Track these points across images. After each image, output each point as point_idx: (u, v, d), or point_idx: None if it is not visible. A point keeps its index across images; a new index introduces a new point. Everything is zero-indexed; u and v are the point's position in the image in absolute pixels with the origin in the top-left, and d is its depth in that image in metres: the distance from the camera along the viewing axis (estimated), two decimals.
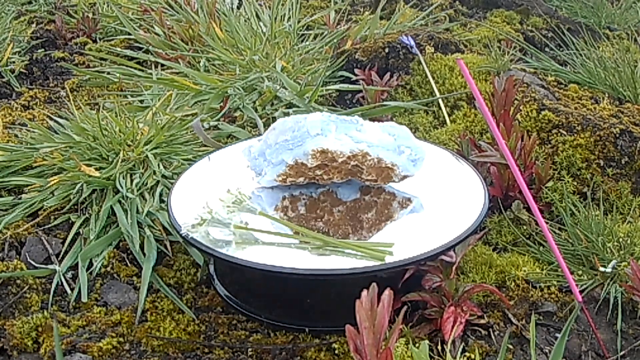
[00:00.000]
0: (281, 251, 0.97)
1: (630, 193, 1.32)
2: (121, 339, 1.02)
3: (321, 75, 1.66)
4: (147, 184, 1.29)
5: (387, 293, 0.72)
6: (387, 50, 1.72)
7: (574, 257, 1.16)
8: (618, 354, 1.00)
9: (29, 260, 1.17)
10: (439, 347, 0.97)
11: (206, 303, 1.10)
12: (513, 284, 1.12)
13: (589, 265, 1.13)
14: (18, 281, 1.11)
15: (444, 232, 0.99)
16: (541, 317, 1.06)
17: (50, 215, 1.27)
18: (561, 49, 1.95)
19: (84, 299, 1.10)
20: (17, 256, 1.18)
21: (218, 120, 1.52)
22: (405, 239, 0.98)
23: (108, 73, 1.84)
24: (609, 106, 1.49)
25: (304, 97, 1.57)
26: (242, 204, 1.00)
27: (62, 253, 1.20)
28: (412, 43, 1.70)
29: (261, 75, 1.66)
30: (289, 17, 2.06)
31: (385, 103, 1.52)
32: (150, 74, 1.78)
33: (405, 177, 1.10)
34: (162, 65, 1.85)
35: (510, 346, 1.01)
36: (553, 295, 1.10)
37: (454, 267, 0.99)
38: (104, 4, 2.33)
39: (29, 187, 1.32)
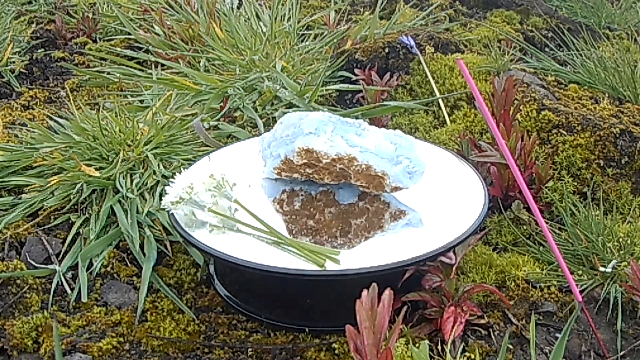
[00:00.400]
0: (250, 241, 0.98)
1: (630, 193, 1.32)
2: (121, 339, 1.02)
3: (321, 75, 1.66)
4: (147, 184, 1.29)
5: (387, 293, 0.72)
6: (387, 50, 1.72)
7: (574, 257, 1.16)
8: (618, 354, 1.00)
9: (29, 260, 1.17)
10: (439, 347, 0.97)
11: (206, 303, 1.10)
12: (513, 284, 1.12)
13: (589, 265, 1.13)
14: (18, 281, 1.11)
15: (444, 232, 0.99)
16: (541, 317, 1.06)
17: (50, 215, 1.27)
18: (561, 49, 1.95)
19: (84, 299, 1.10)
20: (17, 256, 1.18)
21: (218, 120, 1.52)
22: (392, 250, 0.95)
23: (108, 73, 1.84)
24: (609, 106, 1.49)
25: (304, 97, 1.57)
26: (222, 189, 1.01)
27: (62, 253, 1.20)
28: (412, 43, 1.70)
29: (261, 75, 1.66)
30: (289, 17, 2.06)
31: (385, 103, 1.52)
32: (150, 74, 1.78)
33: (397, 188, 1.06)
34: (162, 65, 1.85)
35: (510, 346, 1.01)
36: (553, 295, 1.10)
37: (454, 267, 0.99)
38: (104, 4, 2.33)
39: (29, 187, 1.32)
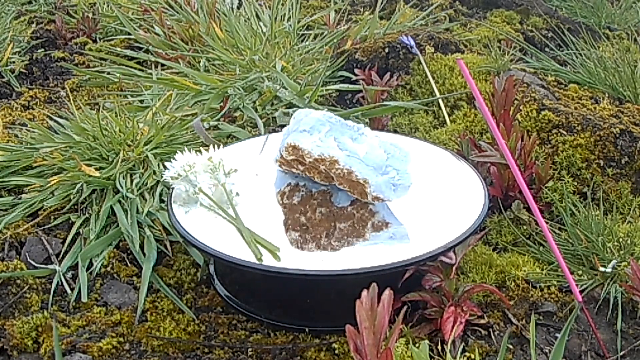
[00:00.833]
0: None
1: (630, 193, 1.32)
2: (121, 339, 1.02)
3: (321, 75, 1.66)
4: (147, 184, 1.29)
5: (387, 293, 0.72)
6: (387, 50, 1.72)
7: (574, 257, 1.16)
8: (618, 354, 1.00)
9: (29, 260, 1.17)
10: (439, 347, 0.97)
11: (206, 303, 1.10)
12: (513, 284, 1.12)
13: (589, 265, 1.13)
14: (18, 281, 1.11)
15: (444, 232, 0.99)
16: (541, 317, 1.06)
17: (50, 215, 1.27)
18: (561, 49, 1.95)
19: (84, 299, 1.10)
20: (17, 256, 1.18)
21: (218, 120, 1.52)
22: (371, 261, 0.94)
23: (108, 73, 1.83)
24: (609, 106, 1.49)
25: (304, 97, 1.57)
26: (215, 173, 1.04)
27: (62, 253, 1.20)
28: (412, 43, 1.70)
29: (261, 75, 1.66)
30: (289, 17, 2.06)
31: (385, 103, 1.52)
32: (150, 74, 1.78)
33: (378, 198, 1.03)
34: (162, 65, 1.85)
35: (510, 346, 1.01)
36: (553, 295, 1.10)
37: (454, 267, 0.99)
38: (104, 4, 2.33)
39: (29, 187, 1.32)
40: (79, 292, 1.11)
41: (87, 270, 1.15)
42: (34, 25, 2.22)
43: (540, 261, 1.17)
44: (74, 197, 1.28)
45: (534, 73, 1.66)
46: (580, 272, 1.12)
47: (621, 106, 1.50)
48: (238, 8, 2.21)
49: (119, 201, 1.25)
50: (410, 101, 1.62)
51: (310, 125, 1.07)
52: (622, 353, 1.00)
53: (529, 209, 1.24)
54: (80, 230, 1.23)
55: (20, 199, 1.30)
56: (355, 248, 0.98)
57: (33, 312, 1.08)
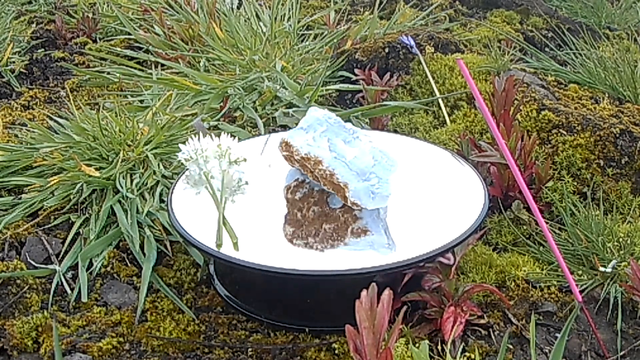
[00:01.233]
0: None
1: (630, 193, 1.32)
2: (121, 339, 1.02)
3: (321, 75, 1.66)
4: (147, 184, 1.29)
5: (387, 293, 0.72)
6: (387, 50, 1.72)
7: (574, 257, 1.16)
8: (618, 354, 1.00)
9: (29, 260, 1.17)
10: (439, 347, 0.97)
11: (206, 303, 1.10)
12: (513, 284, 1.12)
13: (589, 265, 1.13)
14: (18, 281, 1.11)
15: (444, 232, 0.99)
16: (541, 317, 1.06)
17: (50, 215, 1.27)
18: (561, 49, 1.95)
19: (84, 299, 1.10)
20: (17, 256, 1.18)
21: (218, 120, 1.52)
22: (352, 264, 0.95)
23: (108, 73, 1.84)
24: (609, 106, 1.49)
25: (304, 97, 1.57)
26: (221, 159, 1.07)
27: (62, 253, 1.20)
28: (412, 43, 1.70)
29: (261, 75, 1.66)
30: (289, 17, 2.06)
31: (385, 103, 1.52)
32: (150, 74, 1.78)
33: (356, 204, 1.02)
34: (162, 65, 1.85)
35: (510, 346, 1.01)
36: (553, 295, 1.10)
37: (453, 267, 0.99)
38: (104, 4, 2.33)
39: (29, 187, 1.32)
40: (79, 292, 1.11)
41: (87, 270, 1.15)
42: (34, 25, 2.22)
43: (540, 261, 1.17)
44: (74, 197, 1.28)
45: (534, 73, 1.66)
46: (580, 272, 1.12)
47: (621, 106, 1.50)
48: (238, 8, 2.21)
49: (119, 201, 1.25)
50: (410, 101, 1.62)
51: (308, 124, 1.08)
52: (622, 353, 1.00)
53: (529, 209, 1.24)
54: (80, 230, 1.23)
55: (20, 199, 1.30)
56: (337, 251, 0.98)
57: (33, 312, 1.08)
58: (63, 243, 1.21)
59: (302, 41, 1.98)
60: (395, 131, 1.54)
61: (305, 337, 1.02)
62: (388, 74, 1.61)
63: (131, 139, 1.40)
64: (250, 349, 1.00)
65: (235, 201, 1.08)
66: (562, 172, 1.35)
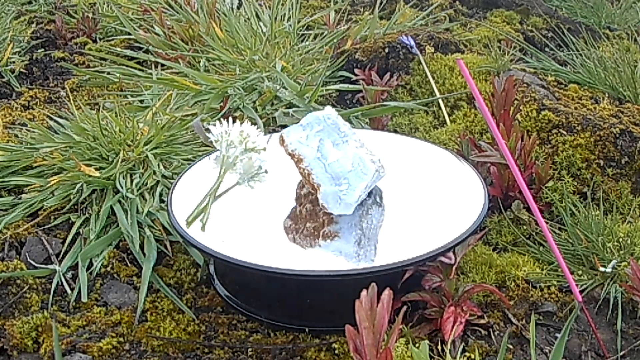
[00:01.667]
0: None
1: (630, 193, 1.32)
2: (121, 339, 1.02)
3: (321, 75, 1.66)
4: (147, 184, 1.29)
5: (387, 293, 0.72)
6: (387, 50, 1.72)
7: (574, 257, 1.16)
8: (618, 354, 1.00)
9: (29, 260, 1.17)
10: (439, 347, 0.97)
11: (206, 303, 1.10)
12: (513, 284, 1.12)
13: (589, 265, 1.13)
14: (18, 281, 1.11)
15: (444, 232, 0.99)
16: (541, 317, 1.06)
17: (50, 215, 1.27)
18: (561, 49, 1.95)
19: (84, 299, 1.10)
20: (17, 256, 1.18)
21: (218, 120, 1.52)
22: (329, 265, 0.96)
23: (108, 73, 1.83)
24: (609, 106, 1.49)
25: (304, 97, 1.57)
26: (238, 145, 1.11)
27: (62, 253, 1.20)
28: (412, 43, 1.70)
29: (261, 75, 1.66)
30: (289, 17, 2.06)
31: (385, 103, 1.52)
32: (150, 74, 1.78)
33: (323, 206, 1.02)
34: (162, 65, 1.85)
35: (510, 346, 1.01)
36: (553, 295, 1.10)
37: (453, 267, 0.99)
38: (104, 4, 2.33)
39: (29, 187, 1.32)
40: (79, 292, 1.11)
41: (87, 270, 1.15)
42: (34, 25, 2.22)
43: (540, 261, 1.17)
44: (74, 197, 1.28)
45: (534, 73, 1.66)
46: (580, 272, 1.12)
47: (621, 106, 1.50)
48: (238, 8, 2.21)
49: (119, 201, 1.25)
50: (410, 101, 1.62)
51: (307, 122, 1.09)
52: (622, 353, 1.00)
53: (529, 209, 1.24)
54: (80, 230, 1.23)
55: (20, 199, 1.30)
56: (314, 251, 0.99)
57: (33, 312, 1.08)
58: (63, 243, 1.21)
59: (302, 41, 1.98)
60: (395, 131, 1.54)
61: (305, 337, 1.02)
62: (388, 74, 1.61)
63: (131, 139, 1.40)
64: (250, 349, 1.00)
65: (253, 187, 1.12)
66: (562, 172, 1.35)
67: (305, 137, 1.07)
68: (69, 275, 1.16)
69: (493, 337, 1.02)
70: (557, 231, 1.23)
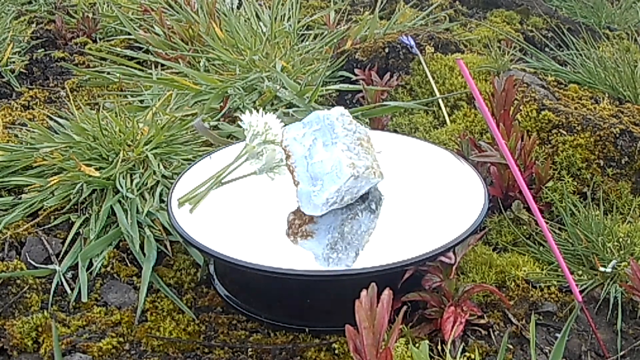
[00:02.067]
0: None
1: (630, 193, 1.32)
2: (121, 339, 1.02)
3: (321, 75, 1.66)
4: (147, 184, 1.29)
5: (387, 293, 0.72)
6: (387, 50, 1.72)
7: (574, 257, 1.16)
8: (618, 354, 1.00)
9: (29, 260, 1.17)
10: (439, 347, 0.97)
11: (206, 303, 1.10)
12: (513, 284, 1.12)
13: (589, 265, 1.13)
14: (18, 281, 1.11)
15: (444, 232, 0.99)
16: (541, 317, 1.06)
17: (50, 215, 1.27)
18: (561, 49, 1.95)
19: (84, 299, 1.10)
20: (17, 256, 1.18)
21: (218, 120, 1.52)
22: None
23: (108, 73, 1.84)
24: (609, 106, 1.49)
25: (304, 97, 1.57)
26: (259, 136, 1.15)
27: (62, 253, 1.20)
28: (412, 43, 1.70)
29: (261, 75, 1.66)
30: (289, 17, 2.06)
31: (385, 103, 1.52)
32: (150, 74, 1.78)
33: (299, 205, 1.04)
34: (162, 65, 1.85)
35: (510, 346, 1.01)
36: (553, 295, 1.10)
37: (453, 267, 0.99)
38: (104, 4, 2.33)
39: (29, 187, 1.32)
40: (79, 292, 1.11)
41: (87, 270, 1.15)
42: (34, 25, 2.22)
43: (540, 261, 1.17)
44: (74, 197, 1.28)
45: (534, 73, 1.66)
46: (580, 272, 1.12)
47: (621, 106, 1.50)
48: (238, 8, 2.21)
49: (119, 201, 1.25)
50: (410, 101, 1.62)
51: (309, 120, 1.09)
52: (622, 353, 1.00)
53: (529, 209, 1.24)
54: (80, 230, 1.23)
55: (20, 199, 1.30)
56: (297, 247, 0.99)
57: (33, 312, 1.08)
58: (63, 243, 1.21)
59: (302, 41, 1.98)
60: (395, 131, 1.54)
61: (305, 337, 1.02)
62: (388, 74, 1.61)
63: (131, 139, 1.40)
64: (250, 349, 1.00)
65: (274, 178, 1.14)
66: (562, 172, 1.35)
67: (302, 135, 1.07)
68: (69, 275, 1.16)
69: (493, 337, 1.02)
70: (557, 231, 1.23)
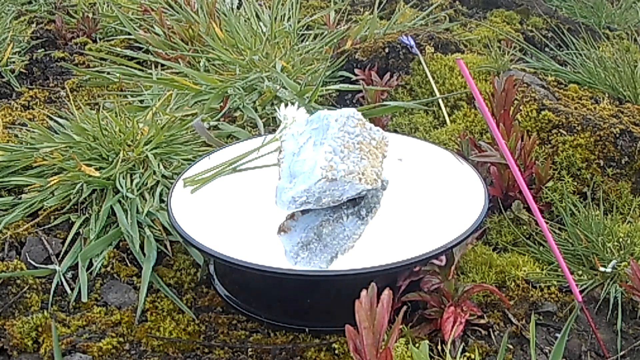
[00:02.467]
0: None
1: (630, 193, 1.32)
2: (121, 339, 1.02)
3: (321, 75, 1.66)
4: (147, 184, 1.29)
5: (387, 293, 0.72)
6: (387, 50, 1.72)
7: (574, 257, 1.16)
8: (618, 354, 1.00)
9: (29, 260, 1.17)
10: (439, 347, 0.97)
11: (206, 303, 1.10)
12: (513, 284, 1.12)
13: (589, 265, 1.13)
14: (18, 281, 1.11)
15: (444, 232, 0.99)
16: (541, 317, 1.06)
17: (50, 215, 1.27)
18: (561, 49, 1.95)
19: (84, 299, 1.10)
20: (17, 256, 1.18)
21: (218, 120, 1.52)
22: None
23: (108, 73, 1.84)
24: (609, 106, 1.49)
25: (304, 97, 1.57)
26: (279, 129, 1.17)
27: (62, 253, 1.20)
28: (412, 43, 1.70)
29: (261, 75, 1.66)
30: (289, 17, 2.06)
31: (385, 103, 1.52)
32: (150, 74, 1.78)
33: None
34: (162, 65, 1.85)
35: (510, 346, 1.01)
36: (553, 295, 1.10)
37: (453, 268, 0.99)
38: (104, 4, 2.33)
39: (29, 187, 1.32)
40: (79, 292, 1.11)
41: (87, 270, 1.15)
42: (34, 25, 2.22)
43: (540, 261, 1.17)
44: (74, 197, 1.28)
45: (534, 73, 1.66)
46: (580, 272, 1.12)
47: (621, 106, 1.50)
48: (238, 8, 2.21)
49: (119, 201, 1.25)
50: (410, 101, 1.62)
51: (312, 118, 1.10)
52: (622, 353, 1.00)
53: (529, 209, 1.24)
54: (80, 230, 1.23)
55: (20, 199, 1.30)
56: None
57: (33, 312, 1.08)
58: (63, 243, 1.21)
59: (302, 41, 1.98)
60: (395, 131, 1.54)
61: (305, 337, 1.02)
62: (388, 74, 1.61)
63: (131, 139, 1.40)
64: (250, 349, 1.00)
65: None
66: (562, 172, 1.35)
67: (301, 132, 1.08)
68: (69, 275, 1.16)
69: (493, 337, 1.02)
70: (557, 231, 1.23)
